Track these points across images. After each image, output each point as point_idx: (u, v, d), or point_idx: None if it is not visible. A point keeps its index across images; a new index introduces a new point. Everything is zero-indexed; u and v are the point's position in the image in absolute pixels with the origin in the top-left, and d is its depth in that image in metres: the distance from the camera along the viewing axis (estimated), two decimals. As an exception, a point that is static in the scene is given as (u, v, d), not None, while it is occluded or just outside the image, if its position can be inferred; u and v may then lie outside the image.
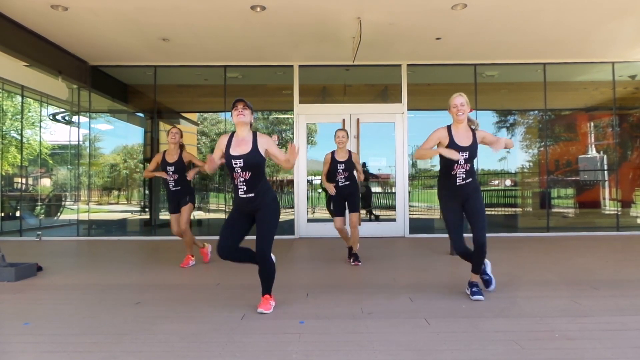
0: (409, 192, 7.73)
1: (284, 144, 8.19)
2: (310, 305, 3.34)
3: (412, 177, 8.05)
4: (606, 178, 8.34)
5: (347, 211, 5.07)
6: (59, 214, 8.82)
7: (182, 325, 2.87)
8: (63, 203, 8.80)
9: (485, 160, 8.07)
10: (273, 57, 7.36)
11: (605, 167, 8.27)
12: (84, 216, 7.96)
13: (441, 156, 3.41)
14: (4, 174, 8.99)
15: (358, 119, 7.62)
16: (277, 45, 6.77)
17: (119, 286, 4.04)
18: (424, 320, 2.92)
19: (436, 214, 7.92)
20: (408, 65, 7.67)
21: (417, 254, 5.70)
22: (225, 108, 7.64)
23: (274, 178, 8.31)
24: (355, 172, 5.07)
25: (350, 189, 5.00)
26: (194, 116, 8.72)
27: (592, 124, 8.58)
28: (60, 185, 9.12)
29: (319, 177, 7.21)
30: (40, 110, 9.09)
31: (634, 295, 3.51)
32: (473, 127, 3.46)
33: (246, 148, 3.08)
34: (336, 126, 7.64)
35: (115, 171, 8.71)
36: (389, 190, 8.02)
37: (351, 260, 5.02)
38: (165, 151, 4.96)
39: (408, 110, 7.67)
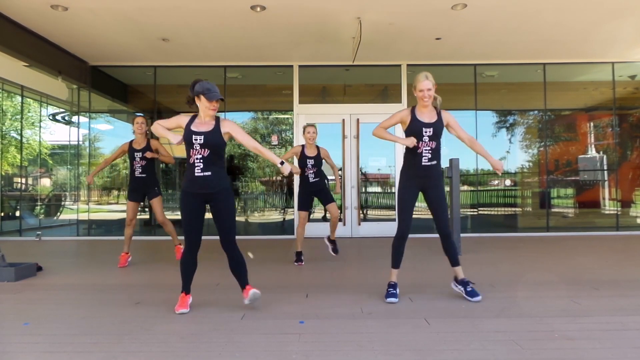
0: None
1: (283, 144, 8.19)
2: (310, 305, 3.33)
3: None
4: (606, 178, 8.34)
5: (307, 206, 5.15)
6: (58, 213, 8.81)
7: (182, 325, 2.87)
8: (63, 203, 8.80)
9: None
10: (273, 57, 7.35)
11: (605, 167, 8.27)
12: (83, 216, 7.96)
13: (406, 133, 3.39)
14: (3, 174, 8.99)
15: (358, 119, 7.62)
16: (277, 45, 6.77)
17: (118, 286, 4.04)
18: (424, 320, 2.91)
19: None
20: (408, 65, 7.66)
21: (417, 254, 5.69)
22: (226, 108, 7.64)
23: (273, 178, 8.30)
24: (324, 168, 5.10)
25: (319, 185, 5.07)
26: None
27: (592, 124, 8.58)
28: (60, 185, 9.12)
29: None
30: (40, 110, 9.09)
31: (634, 295, 3.51)
32: (437, 105, 3.40)
33: (208, 127, 3.12)
34: (336, 126, 7.68)
35: (115, 171, 8.71)
36: (389, 190, 8.02)
37: (330, 250, 5.26)
38: (132, 141, 4.93)
39: (408, 110, 7.66)
